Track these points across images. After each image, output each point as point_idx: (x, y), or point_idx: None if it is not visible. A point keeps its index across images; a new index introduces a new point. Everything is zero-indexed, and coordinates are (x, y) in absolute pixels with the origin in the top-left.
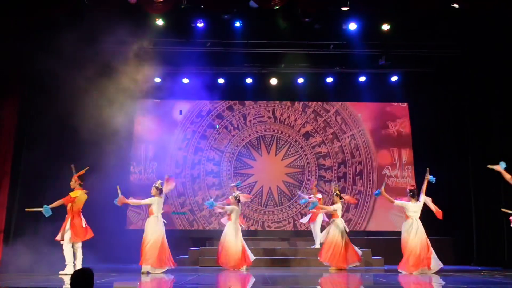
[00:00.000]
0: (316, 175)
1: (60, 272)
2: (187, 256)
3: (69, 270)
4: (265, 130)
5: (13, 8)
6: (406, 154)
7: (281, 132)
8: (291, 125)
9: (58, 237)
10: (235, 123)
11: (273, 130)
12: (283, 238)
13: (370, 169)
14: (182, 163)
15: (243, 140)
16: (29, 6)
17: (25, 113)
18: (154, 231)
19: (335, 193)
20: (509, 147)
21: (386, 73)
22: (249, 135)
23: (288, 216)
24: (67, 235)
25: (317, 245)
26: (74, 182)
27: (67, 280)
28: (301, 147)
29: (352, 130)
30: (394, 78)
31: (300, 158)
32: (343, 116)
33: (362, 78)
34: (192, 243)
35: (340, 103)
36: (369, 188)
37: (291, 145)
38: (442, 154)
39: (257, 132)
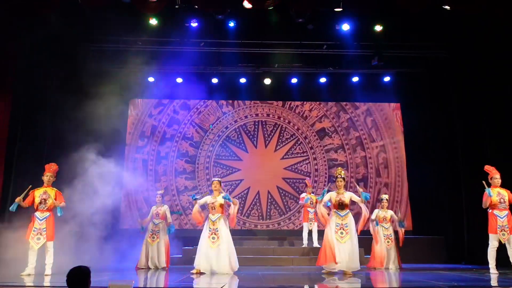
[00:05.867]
0: (323, 189)
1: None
2: (180, 255)
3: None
4: (267, 115)
5: (4, 5)
6: (398, 152)
7: (289, 122)
8: (304, 115)
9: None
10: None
11: (279, 117)
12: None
13: (399, 196)
14: (149, 134)
15: (236, 121)
16: (21, 3)
17: (18, 106)
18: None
19: (339, 176)
20: (498, 147)
21: (379, 73)
22: (245, 116)
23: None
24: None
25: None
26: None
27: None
28: (311, 148)
29: (384, 139)
30: (387, 79)
31: (307, 161)
32: (376, 118)
33: (355, 79)
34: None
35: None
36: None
37: (298, 142)
38: (434, 153)
39: (256, 114)
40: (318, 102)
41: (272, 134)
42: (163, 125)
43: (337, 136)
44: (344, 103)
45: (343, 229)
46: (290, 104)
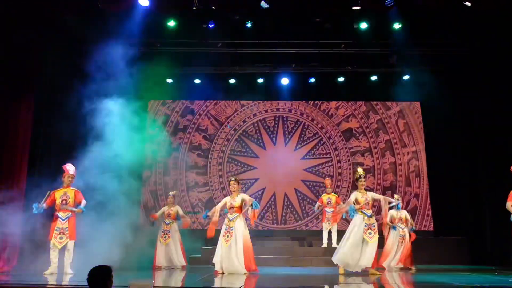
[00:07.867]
0: (347, 195)
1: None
2: (199, 255)
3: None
4: (289, 110)
5: (26, 10)
6: (419, 154)
7: (312, 120)
8: (329, 113)
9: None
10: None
11: (301, 114)
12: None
13: (430, 209)
14: (161, 122)
15: (254, 115)
16: (40, 9)
17: (40, 111)
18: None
19: (361, 176)
20: None
21: (398, 72)
22: (266, 111)
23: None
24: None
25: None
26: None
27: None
28: (335, 149)
29: (417, 145)
30: (406, 77)
31: (330, 163)
32: (409, 121)
33: (374, 77)
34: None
35: (409, 102)
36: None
37: (322, 142)
38: (455, 152)
39: (277, 109)
40: (346, 101)
41: (293, 131)
42: (176, 114)
43: (365, 138)
44: (375, 102)
45: (371, 229)
46: (316, 101)
